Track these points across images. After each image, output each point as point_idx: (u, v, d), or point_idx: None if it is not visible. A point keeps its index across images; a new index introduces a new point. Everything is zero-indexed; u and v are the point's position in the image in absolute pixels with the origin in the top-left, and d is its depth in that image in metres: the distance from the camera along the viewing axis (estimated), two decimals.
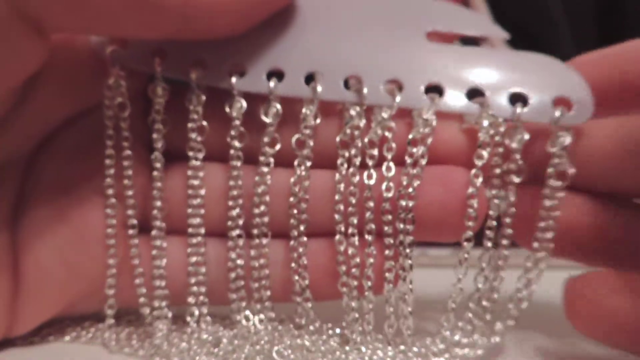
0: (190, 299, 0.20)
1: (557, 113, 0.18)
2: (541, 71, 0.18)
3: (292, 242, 0.19)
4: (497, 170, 0.18)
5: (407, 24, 0.19)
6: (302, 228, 0.19)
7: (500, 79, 0.18)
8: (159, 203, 0.20)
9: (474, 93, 0.18)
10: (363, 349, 0.19)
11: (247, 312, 0.20)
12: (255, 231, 0.19)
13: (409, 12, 0.19)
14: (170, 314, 0.20)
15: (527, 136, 0.18)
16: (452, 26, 0.19)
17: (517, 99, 0.18)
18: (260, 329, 0.19)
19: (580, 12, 0.47)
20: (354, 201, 0.19)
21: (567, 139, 0.18)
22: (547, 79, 0.18)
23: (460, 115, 0.19)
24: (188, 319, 0.20)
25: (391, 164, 0.18)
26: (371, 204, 0.19)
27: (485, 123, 0.18)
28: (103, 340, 0.20)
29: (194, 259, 0.20)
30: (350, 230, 0.19)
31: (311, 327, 0.19)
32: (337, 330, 0.19)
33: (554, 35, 0.45)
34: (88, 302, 0.20)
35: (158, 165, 0.20)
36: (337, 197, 0.19)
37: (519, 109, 0.18)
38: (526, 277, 0.19)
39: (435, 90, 0.19)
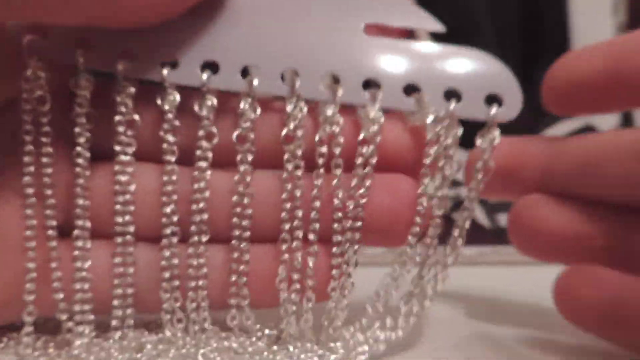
0: (115, 302, 0.19)
1: (493, 110, 0.19)
2: (474, 67, 0.19)
3: (233, 242, 0.19)
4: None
5: (345, 16, 0.19)
6: (244, 223, 0.19)
7: (435, 75, 0.19)
8: (81, 201, 0.18)
9: (411, 89, 0.19)
10: (290, 348, 0.19)
11: (180, 314, 0.19)
12: (193, 228, 0.19)
13: (347, 4, 0.19)
14: (92, 317, 0.19)
15: (461, 132, 0.19)
16: (389, 19, 0.19)
17: (451, 94, 0.19)
18: (187, 336, 0.19)
19: (504, 19, 0.49)
20: (298, 203, 0.18)
21: (496, 136, 0.19)
22: (479, 75, 0.19)
23: (401, 113, 0.19)
24: (114, 322, 0.19)
25: (340, 161, 0.18)
26: (317, 203, 0.18)
27: (430, 119, 0.18)
28: (17, 350, 0.18)
29: (119, 259, 0.19)
30: (295, 233, 0.19)
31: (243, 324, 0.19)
32: (267, 331, 0.19)
33: (480, 42, 0.46)
34: (6, 311, 0.18)
35: (80, 160, 0.18)
36: (284, 195, 0.18)
37: (452, 105, 0.19)
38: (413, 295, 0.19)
39: (372, 85, 0.19)
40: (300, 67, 0.18)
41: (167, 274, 0.19)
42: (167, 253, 0.19)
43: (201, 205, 0.18)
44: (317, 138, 0.18)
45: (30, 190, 0.18)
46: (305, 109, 0.18)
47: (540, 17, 0.50)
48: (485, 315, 0.23)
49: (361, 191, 0.18)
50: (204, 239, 0.19)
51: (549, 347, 0.20)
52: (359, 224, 0.18)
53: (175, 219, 0.19)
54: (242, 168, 0.18)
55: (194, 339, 0.19)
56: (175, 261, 0.19)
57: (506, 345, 0.20)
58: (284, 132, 0.18)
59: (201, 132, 0.18)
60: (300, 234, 0.19)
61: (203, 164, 0.18)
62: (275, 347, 0.18)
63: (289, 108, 0.18)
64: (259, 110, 0.18)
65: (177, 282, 0.19)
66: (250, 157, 0.18)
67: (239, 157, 0.18)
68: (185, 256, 0.19)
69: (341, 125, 0.18)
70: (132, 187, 0.19)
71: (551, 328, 0.21)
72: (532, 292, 0.24)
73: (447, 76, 0.19)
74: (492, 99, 0.19)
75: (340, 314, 0.19)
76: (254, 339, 0.19)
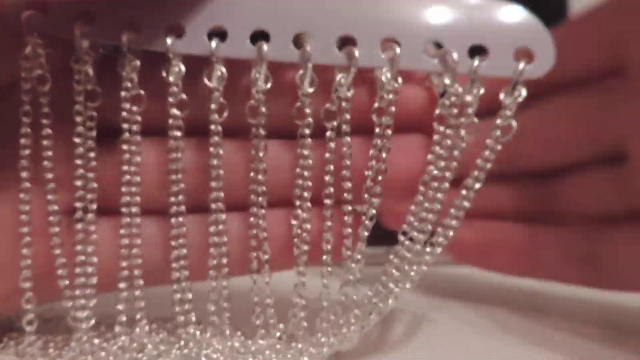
0: (123, 280, 0.18)
1: (521, 65, 0.17)
2: (502, 20, 0.18)
3: (251, 219, 0.18)
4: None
5: None
6: (260, 200, 0.18)
7: (459, 30, 0.18)
8: (79, 182, 0.17)
9: (433, 47, 0.18)
10: (293, 344, 0.18)
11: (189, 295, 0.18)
12: (213, 206, 0.18)
13: None
14: (92, 303, 0.17)
15: (482, 90, 0.18)
16: None
17: (477, 51, 0.17)
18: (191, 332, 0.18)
19: None
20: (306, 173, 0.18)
21: (522, 93, 0.18)
22: (508, 28, 0.18)
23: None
24: (119, 307, 0.18)
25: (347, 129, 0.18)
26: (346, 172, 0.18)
27: (447, 81, 0.17)
28: (17, 350, 0.17)
29: (126, 236, 0.17)
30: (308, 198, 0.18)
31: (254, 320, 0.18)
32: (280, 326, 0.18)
33: None
34: (14, 301, 0.17)
35: (78, 140, 0.17)
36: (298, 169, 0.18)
37: (476, 62, 0.17)
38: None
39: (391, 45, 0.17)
40: (313, 30, 0.17)
41: (177, 252, 0.18)
42: (175, 231, 0.18)
43: (220, 183, 0.18)
44: (327, 106, 0.18)
45: (25, 174, 0.17)
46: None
47: (539, 17, 0.49)
48: (485, 313, 0.23)
49: (380, 164, 0.18)
50: (223, 217, 0.18)
51: (550, 346, 0.19)
52: (378, 189, 0.18)
53: (181, 197, 0.18)
54: (256, 142, 0.18)
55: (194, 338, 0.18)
56: (184, 238, 0.18)
57: (507, 342, 0.20)
58: (298, 104, 0.18)
59: (213, 106, 0.17)
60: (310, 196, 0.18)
61: (217, 138, 0.17)
62: (278, 346, 0.18)
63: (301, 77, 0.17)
64: (269, 84, 0.17)
65: (184, 262, 0.18)
66: (262, 132, 0.18)
67: (252, 131, 0.18)
68: (202, 232, 0.18)
69: (349, 98, 0.18)
70: (138, 167, 0.17)
71: (550, 326, 0.21)
72: (531, 290, 0.25)
73: (471, 32, 0.17)
74: (522, 54, 0.17)
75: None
76: (255, 337, 0.18)
